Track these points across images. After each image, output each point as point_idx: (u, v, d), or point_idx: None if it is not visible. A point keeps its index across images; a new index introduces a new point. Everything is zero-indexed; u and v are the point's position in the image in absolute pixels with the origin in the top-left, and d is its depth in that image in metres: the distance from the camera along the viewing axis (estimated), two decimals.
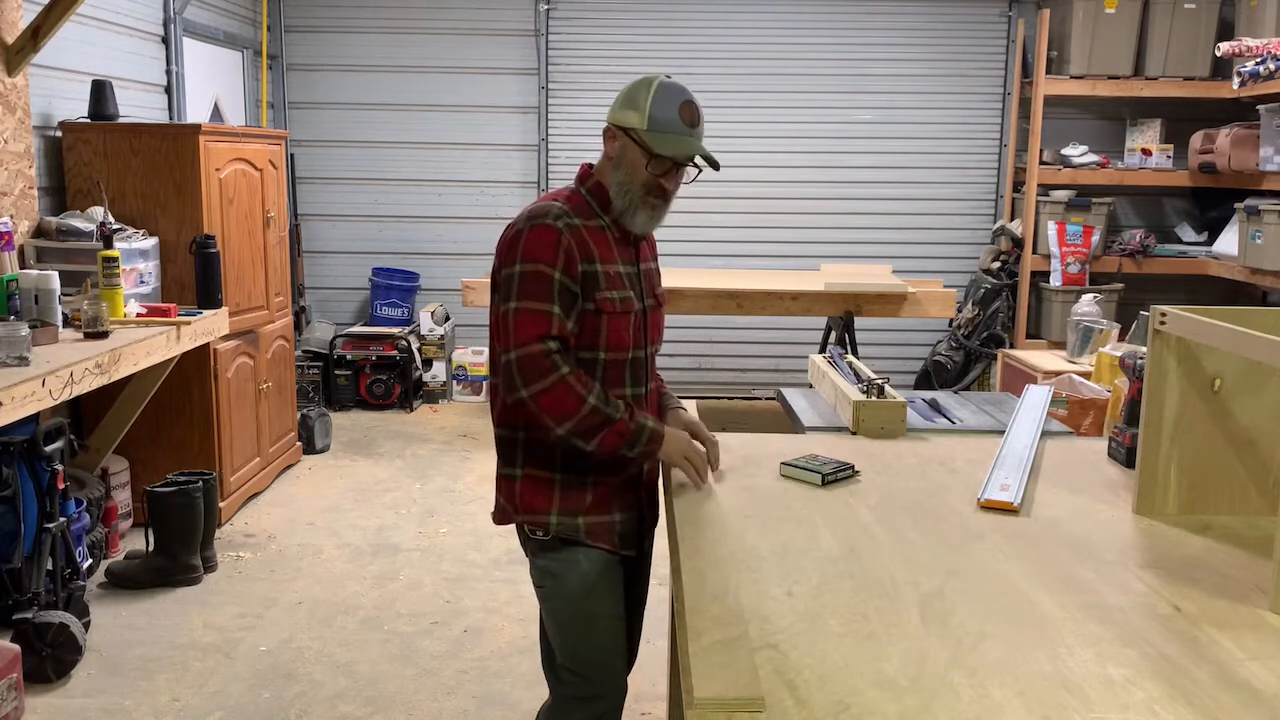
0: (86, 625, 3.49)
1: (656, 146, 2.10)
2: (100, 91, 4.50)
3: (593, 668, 2.22)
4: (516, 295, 2.06)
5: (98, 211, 4.29)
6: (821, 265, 6.34)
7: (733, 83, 6.87)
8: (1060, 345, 5.99)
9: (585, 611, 2.19)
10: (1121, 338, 5.02)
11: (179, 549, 3.99)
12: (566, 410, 2.02)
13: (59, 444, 3.50)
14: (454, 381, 7.04)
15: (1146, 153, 6.55)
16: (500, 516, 2.26)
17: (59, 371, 3.22)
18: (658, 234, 2.38)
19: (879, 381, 2.76)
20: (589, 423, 2.03)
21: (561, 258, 2.05)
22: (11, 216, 3.99)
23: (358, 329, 6.89)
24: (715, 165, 2.15)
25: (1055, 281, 6.52)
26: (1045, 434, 2.67)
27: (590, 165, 2.23)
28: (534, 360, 2.02)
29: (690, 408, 2.51)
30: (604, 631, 2.20)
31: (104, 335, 3.69)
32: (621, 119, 2.13)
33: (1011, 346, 6.56)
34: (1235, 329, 1.76)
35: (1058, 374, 4.54)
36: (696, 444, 2.19)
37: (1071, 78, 6.42)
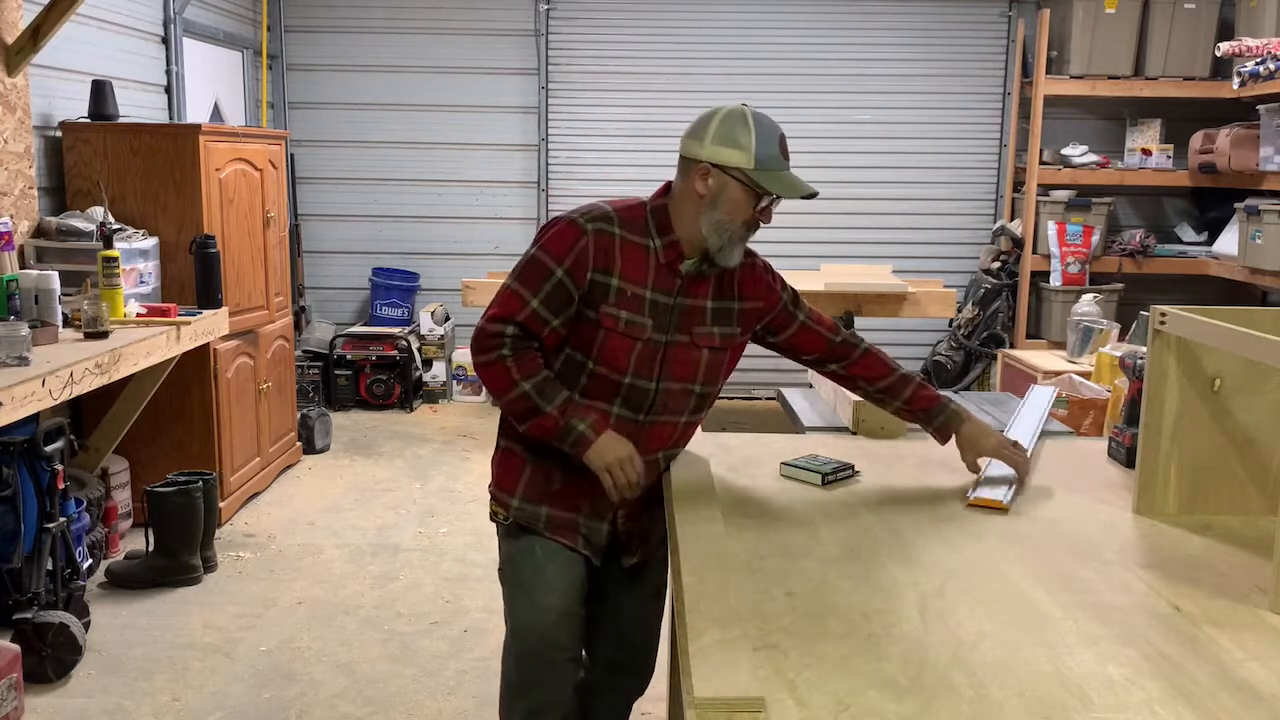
0: (86, 625, 3.49)
1: (770, 186, 2.08)
2: (100, 91, 4.50)
3: (534, 660, 2.22)
4: (513, 273, 2.12)
5: (98, 211, 4.28)
6: (821, 265, 6.34)
7: (732, 83, 6.86)
8: (1060, 345, 5.99)
9: (535, 602, 2.20)
10: (1121, 338, 5.03)
11: (179, 549, 3.99)
12: (499, 388, 2.10)
13: (59, 444, 3.49)
14: (454, 381, 7.04)
15: (1146, 153, 6.55)
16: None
17: (59, 371, 3.22)
18: None
19: None
20: (518, 406, 2.10)
21: (571, 258, 2.06)
22: (11, 216, 3.99)
23: (358, 329, 6.89)
24: (814, 195, 2.11)
25: (1055, 281, 6.52)
26: (1045, 434, 2.67)
27: (669, 185, 2.18)
28: (485, 335, 2.09)
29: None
30: (551, 626, 2.20)
31: (104, 335, 3.69)
32: (720, 157, 2.07)
33: (1011, 346, 6.56)
34: (1235, 329, 1.76)
35: (1058, 374, 4.54)
36: (631, 460, 2.09)
37: (1071, 78, 6.42)
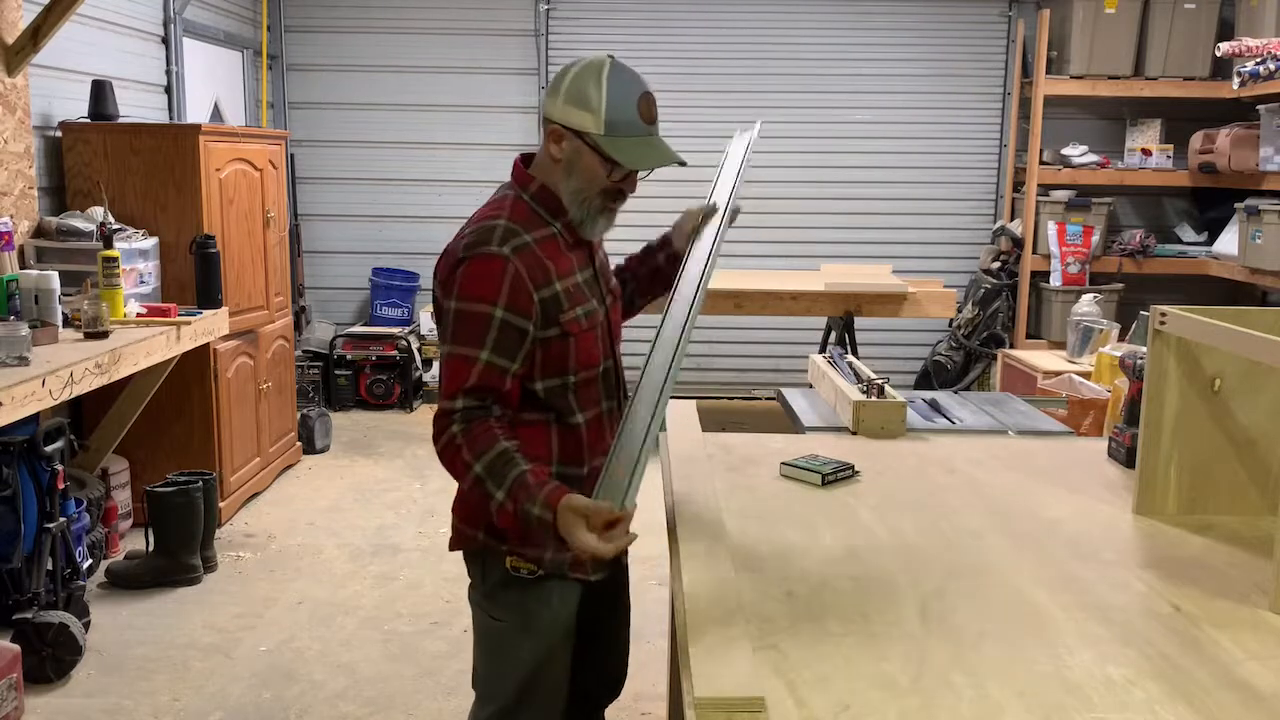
0: (86, 625, 3.49)
1: (618, 155, 1.84)
2: (100, 91, 4.50)
3: (539, 710, 2.01)
4: (450, 337, 1.85)
5: (98, 211, 4.28)
6: (821, 265, 6.33)
7: (732, 83, 6.87)
8: (1060, 345, 5.98)
9: (548, 649, 1.99)
10: (1121, 338, 5.02)
11: (179, 549, 3.99)
12: (457, 475, 1.85)
13: (59, 444, 3.49)
14: None
15: (1146, 153, 6.55)
16: (466, 543, 2.00)
17: (59, 371, 3.22)
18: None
19: (879, 381, 2.76)
20: (477, 493, 1.81)
21: (506, 292, 1.81)
22: (11, 216, 3.99)
23: (358, 329, 6.89)
24: (683, 163, 1.88)
25: (1055, 281, 6.52)
26: (1045, 433, 2.67)
27: (525, 160, 1.96)
28: (438, 419, 1.84)
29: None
30: (562, 668, 2.02)
31: (104, 335, 3.69)
32: (570, 118, 1.84)
33: (1011, 346, 6.55)
34: (1235, 329, 1.77)
35: (1058, 374, 4.53)
36: (593, 525, 1.70)
37: (1071, 78, 6.42)
